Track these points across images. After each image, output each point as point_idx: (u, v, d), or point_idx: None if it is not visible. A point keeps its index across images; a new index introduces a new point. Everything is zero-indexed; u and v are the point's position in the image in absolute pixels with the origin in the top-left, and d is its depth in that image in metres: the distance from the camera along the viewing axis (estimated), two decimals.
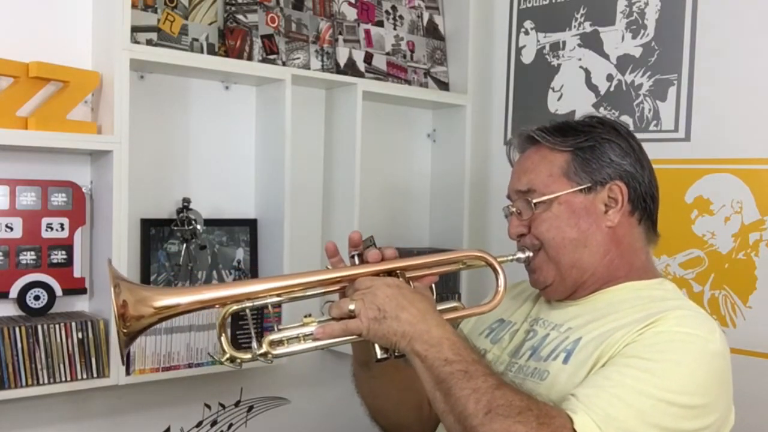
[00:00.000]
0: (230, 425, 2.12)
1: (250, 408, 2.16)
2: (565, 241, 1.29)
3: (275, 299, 1.21)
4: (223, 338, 1.19)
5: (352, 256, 1.27)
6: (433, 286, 1.29)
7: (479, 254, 1.29)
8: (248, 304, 1.19)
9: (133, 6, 1.76)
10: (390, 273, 1.23)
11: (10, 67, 1.64)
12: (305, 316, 1.20)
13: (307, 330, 1.18)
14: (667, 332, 1.14)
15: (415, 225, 2.50)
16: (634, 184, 1.31)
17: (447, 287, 2.38)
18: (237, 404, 2.13)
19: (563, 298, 1.35)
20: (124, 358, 1.20)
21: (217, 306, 1.19)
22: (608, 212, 1.30)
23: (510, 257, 1.33)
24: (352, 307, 1.15)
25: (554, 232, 1.29)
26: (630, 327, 1.17)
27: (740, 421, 1.25)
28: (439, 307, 1.25)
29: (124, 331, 1.13)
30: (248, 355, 1.19)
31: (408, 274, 1.25)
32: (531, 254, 1.32)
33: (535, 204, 1.30)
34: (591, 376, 1.15)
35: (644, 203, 1.33)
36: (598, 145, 1.31)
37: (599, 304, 1.29)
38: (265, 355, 1.18)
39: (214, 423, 2.09)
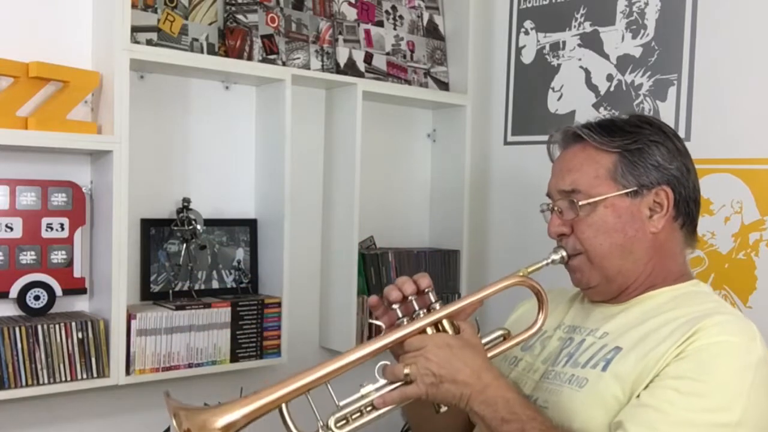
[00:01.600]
0: None
1: None
2: (612, 248, 1.27)
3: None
4: (290, 424, 1.18)
5: (393, 309, 1.26)
6: (477, 321, 1.27)
7: (526, 281, 1.28)
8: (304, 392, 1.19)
9: (133, 6, 1.76)
10: (435, 323, 1.23)
11: (10, 67, 1.64)
12: (362, 386, 1.20)
13: (366, 401, 1.19)
14: (710, 345, 1.14)
15: (415, 225, 2.50)
16: (679, 188, 1.29)
17: (447, 287, 2.38)
18: None
19: (606, 300, 1.34)
20: None
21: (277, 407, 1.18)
22: (653, 217, 1.28)
23: (544, 262, 1.30)
24: (407, 371, 1.16)
25: (601, 239, 1.28)
26: (672, 338, 1.16)
27: None
28: (486, 339, 1.27)
29: None
30: None
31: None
32: (565, 254, 1.31)
33: (580, 206, 1.28)
34: (638, 403, 1.14)
35: (688, 207, 1.31)
36: (646, 148, 1.28)
37: (635, 310, 1.28)
38: None
39: None
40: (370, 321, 1.27)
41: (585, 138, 1.31)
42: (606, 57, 2.17)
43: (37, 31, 1.76)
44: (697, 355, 1.13)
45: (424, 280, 1.26)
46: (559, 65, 2.30)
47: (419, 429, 1.47)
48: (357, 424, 1.18)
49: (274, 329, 2.00)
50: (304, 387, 1.17)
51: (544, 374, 1.32)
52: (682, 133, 1.98)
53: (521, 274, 1.28)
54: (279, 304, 2.01)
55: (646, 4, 2.08)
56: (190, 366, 1.87)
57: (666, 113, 2.03)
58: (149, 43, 1.85)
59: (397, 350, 1.23)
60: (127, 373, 1.77)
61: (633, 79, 2.11)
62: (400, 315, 1.24)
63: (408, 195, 2.49)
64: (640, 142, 1.28)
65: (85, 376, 1.70)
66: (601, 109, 2.17)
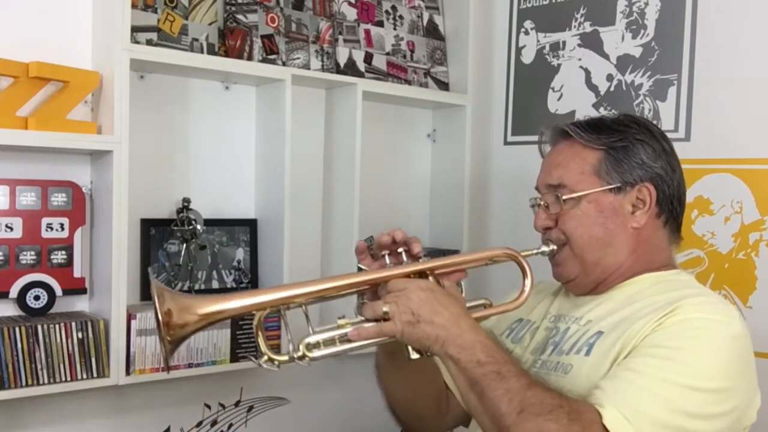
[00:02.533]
0: (230, 425, 2.12)
1: (250, 408, 2.16)
2: (592, 240, 1.31)
3: (308, 300, 1.22)
4: (260, 339, 1.20)
5: (382, 256, 1.28)
6: (463, 284, 1.30)
7: (509, 252, 1.31)
8: (283, 307, 1.21)
9: (133, 6, 1.76)
10: (421, 273, 1.24)
11: (10, 67, 1.64)
12: (339, 318, 1.21)
13: (341, 332, 1.19)
14: (687, 320, 1.16)
15: (415, 225, 2.50)
16: (663, 186, 1.32)
17: None
18: (237, 404, 2.13)
19: (585, 293, 1.36)
20: (168, 366, 1.18)
21: (256, 311, 1.20)
22: (635, 213, 1.31)
23: (534, 251, 1.34)
24: (386, 309, 1.17)
25: (582, 230, 1.31)
26: (650, 316, 1.19)
27: None
28: (469, 305, 1.28)
29: (169, 338, 1.13)
30: (285, 357, 1.19)
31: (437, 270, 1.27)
32: (555, 248, 1.34)
33: (564, 200, 1.32)
34: (615, 368, 1.17)
35: (671, 206, 1.34)
36: (631, 146, 1.32)
37: (618, 296, 1.31)
38: (302, 357, 1.18)
39: (214, 423, 2.09)
40: (359, 266, 1.28)
41: (572, 135, 1.35)
42: (606, 57, 2.17)
43: (37, 31, 1.76)
44: (674, 327, 1.16)
45: (416, 240, 1.29)
46: (559, 65, 2.30)
47: (392, 397, 1.47)
48: (327, 351, 1.19)
49: (274, 329, 2.00)
50: (284, 299, 1.19)
51: (532, 364, 1.34)
52: (682, 133, 1.99)
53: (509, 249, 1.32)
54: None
55: (646, 4, 2.08)
56: (190, 366, 1.87)
57: (666, 113, 2.03)
58: (149, 43, 1.85)
59: (380, 291, 1.24)
60: (127, 373, 1.76)
61: (633, 79, 2.11)
62: (388, 262, 1.27)
63: (408, 195, 2.49)
64: (626, 140, 1.32)
65: (85, 376, 1.70)
66: (601, 109, 2.17)
